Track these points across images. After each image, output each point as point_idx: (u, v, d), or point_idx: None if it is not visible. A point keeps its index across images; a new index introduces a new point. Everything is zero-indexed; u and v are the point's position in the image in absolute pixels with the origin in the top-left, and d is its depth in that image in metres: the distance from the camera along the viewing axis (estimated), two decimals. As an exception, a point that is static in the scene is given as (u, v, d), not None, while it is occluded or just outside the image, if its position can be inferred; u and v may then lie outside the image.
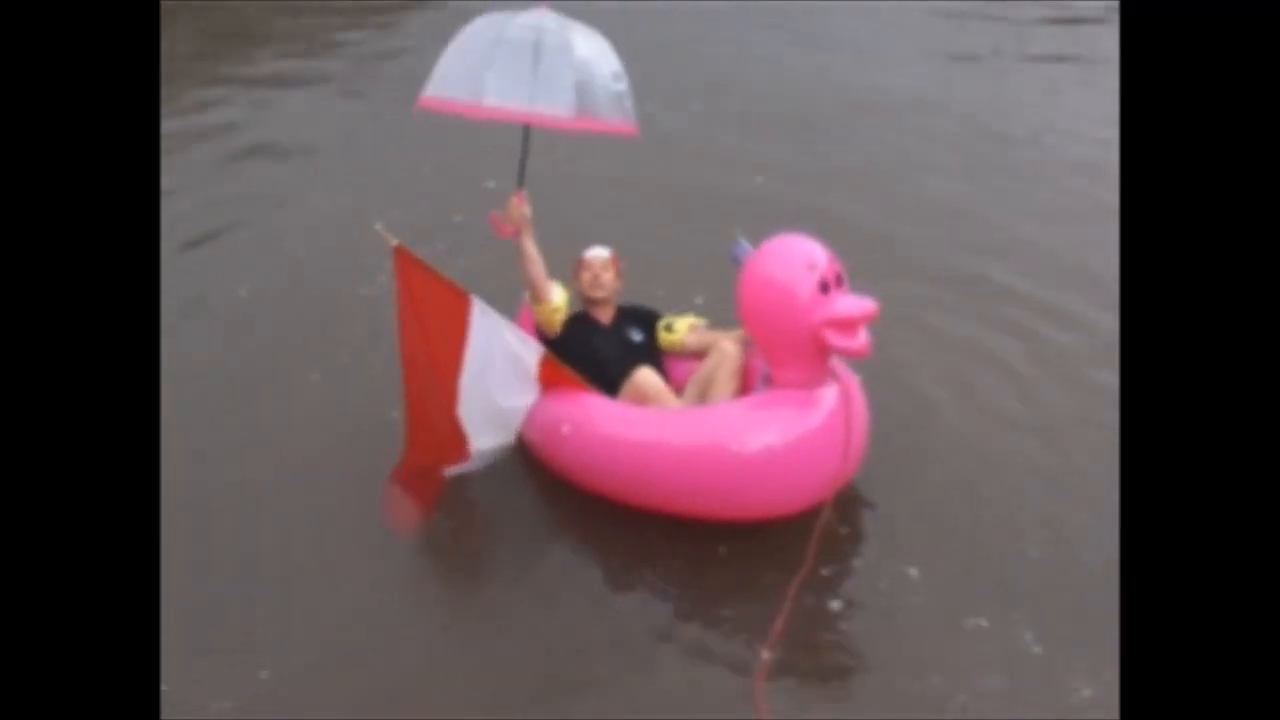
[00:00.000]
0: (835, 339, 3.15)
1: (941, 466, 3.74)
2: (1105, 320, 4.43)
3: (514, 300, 3.94)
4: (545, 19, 3.56)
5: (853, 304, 3.16)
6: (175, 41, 8.01)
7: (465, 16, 3.67)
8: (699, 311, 4.03)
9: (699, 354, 3.79)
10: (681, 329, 3.88)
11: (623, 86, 3.59)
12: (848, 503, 3.48)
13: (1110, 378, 4.01)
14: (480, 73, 3.46)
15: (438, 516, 3.68)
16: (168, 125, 6.04)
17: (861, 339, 3.16)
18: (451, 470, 3.69)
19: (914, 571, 3.30)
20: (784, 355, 3.29)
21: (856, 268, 3.35)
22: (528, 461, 3.74)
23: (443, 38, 3.66)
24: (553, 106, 3.46)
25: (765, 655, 2.99)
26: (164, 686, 2.76)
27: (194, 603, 3.21)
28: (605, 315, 3.92)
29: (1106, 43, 7.40)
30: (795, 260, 3.21)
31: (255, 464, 3.86)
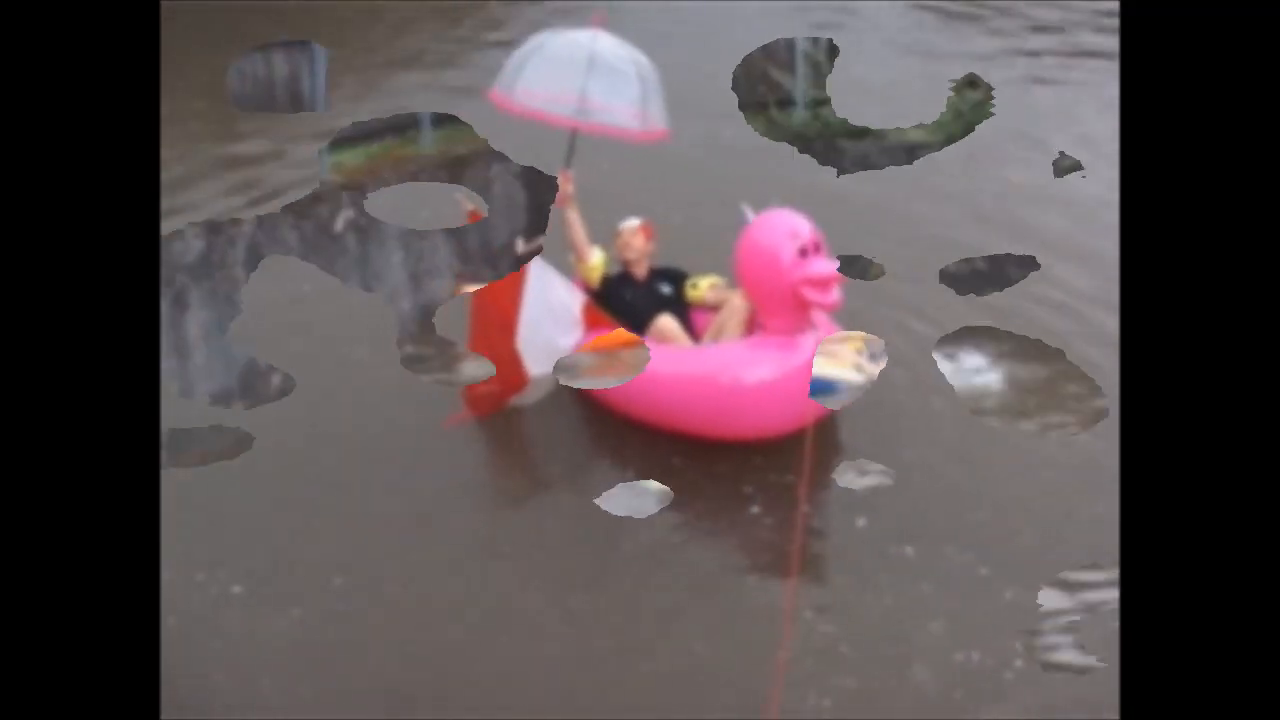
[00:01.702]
0: (811, 294, 3.91)
1: (916, 435, 4.29)
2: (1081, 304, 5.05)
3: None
4: (596, 40, 4.31)
5: (826, 266, 3.90)
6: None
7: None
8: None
9: (716, 307, 4.59)
10: (703, 286, 4.67)
11: (634, 93, 4.25)
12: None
13: (1087, 349, 4.55)
14: (514, 75, 4.30)
15: (491, 431, 4.51)
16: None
17: (833, 295, 3.91)
18: (512, 401, 4.56)
19: (861, 521, 3.91)
20: (771, 307, 4.06)
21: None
22: (570, 392, 4.59)
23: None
24: (565, 110, 4.23)
25: (794, 572, 3.60)
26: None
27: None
28: (640, 272, 4.74)
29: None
30: (781, 230, 3.97)
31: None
